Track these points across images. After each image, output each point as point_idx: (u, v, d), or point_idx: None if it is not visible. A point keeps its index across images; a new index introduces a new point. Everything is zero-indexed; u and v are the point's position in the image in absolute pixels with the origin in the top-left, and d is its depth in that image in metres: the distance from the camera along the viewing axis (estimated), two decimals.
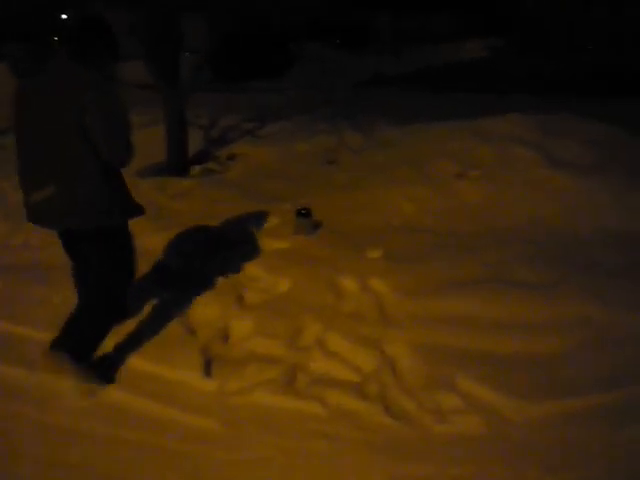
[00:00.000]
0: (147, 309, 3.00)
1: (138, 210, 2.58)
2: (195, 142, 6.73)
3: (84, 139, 2.30)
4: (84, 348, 2.44)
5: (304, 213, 3.80)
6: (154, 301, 3.08)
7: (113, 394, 2.46)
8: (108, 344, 2.65)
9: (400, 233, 3.86)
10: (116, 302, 2.60)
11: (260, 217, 4.15)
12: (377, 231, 3.90)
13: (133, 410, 2.38)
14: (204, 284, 3.22)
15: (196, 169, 5.96)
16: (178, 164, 5.79)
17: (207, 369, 2.58)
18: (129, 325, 2.85)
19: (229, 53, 14.76)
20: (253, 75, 14.40)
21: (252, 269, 3.43)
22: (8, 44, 16.03)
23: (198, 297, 3.10)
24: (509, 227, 3.91)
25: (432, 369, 2.51)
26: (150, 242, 3.58)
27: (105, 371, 2.56)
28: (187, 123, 5.83)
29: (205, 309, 3.03)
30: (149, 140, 6.13)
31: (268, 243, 3.75)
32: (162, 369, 2.59)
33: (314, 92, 11.30)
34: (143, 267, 3.18)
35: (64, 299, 2.94)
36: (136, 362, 2.64)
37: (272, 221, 4.10)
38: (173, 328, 2.85)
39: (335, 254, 3.53)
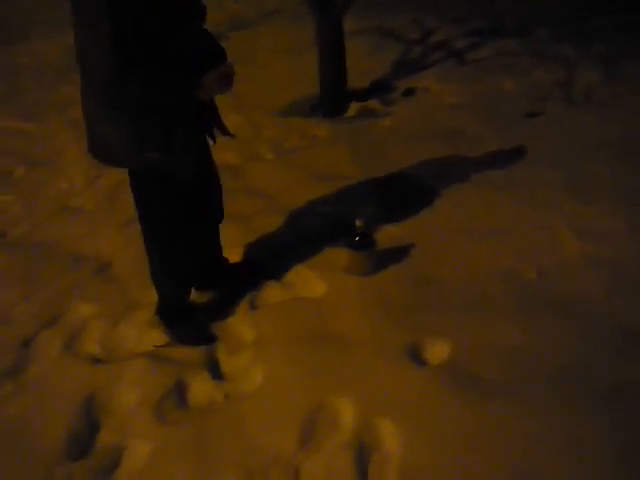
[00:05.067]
0: None
1: None
2: (387, 64, 5.31)
3: None
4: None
5: (360, 243, 2.34)
6: None
7: None
8: None
9: (519, 309, 2.10)
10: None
11: (340, 223, 2.79)
12: (484, 290, 2.21)
13: None
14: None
15: (355, 107, 4.63)
16: (331, 101, 4.55)
17: None
18: None
19: None
20: None
21: (238, 327, 2.26)
22: None
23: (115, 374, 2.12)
24: None
25: None
26: None
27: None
28: (344, 48, 4.44)
29: (126, 393, 2.04)
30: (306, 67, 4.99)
31: (300, 279, 2.46)
32: None
33: None
34: None
35: None
36: None
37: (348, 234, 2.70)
38: None
39: (374, 335, 2.08)
